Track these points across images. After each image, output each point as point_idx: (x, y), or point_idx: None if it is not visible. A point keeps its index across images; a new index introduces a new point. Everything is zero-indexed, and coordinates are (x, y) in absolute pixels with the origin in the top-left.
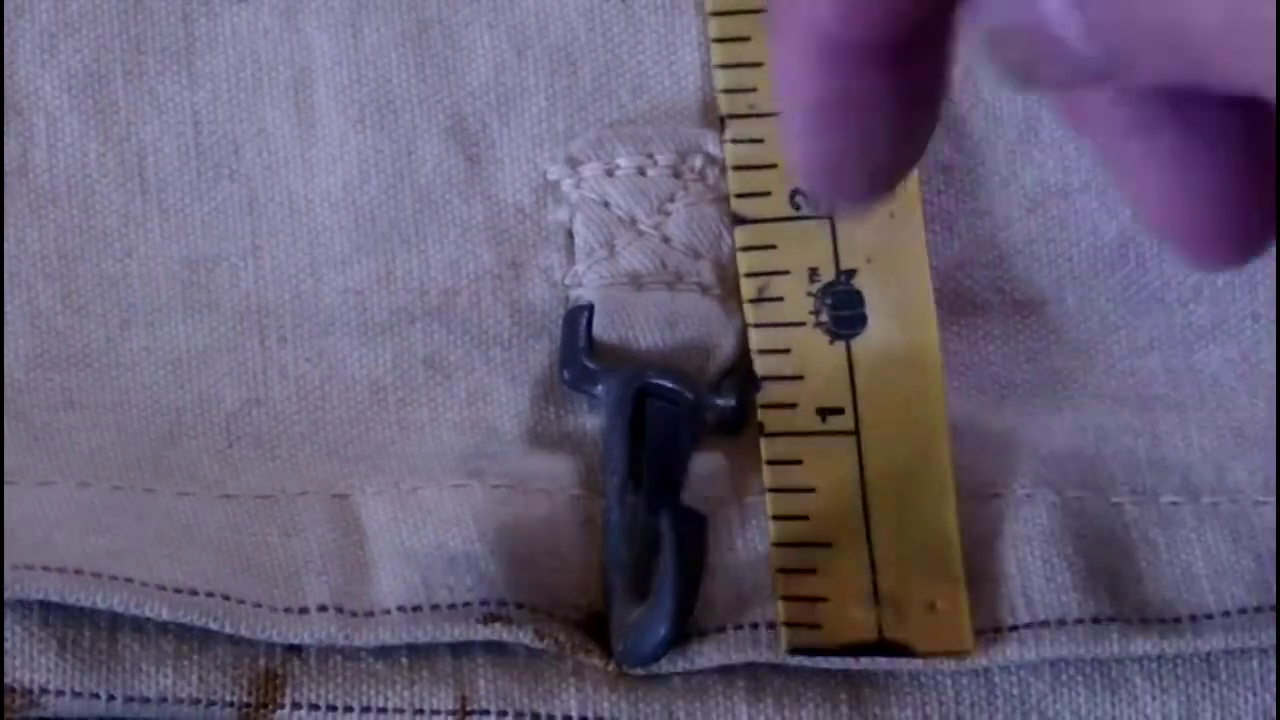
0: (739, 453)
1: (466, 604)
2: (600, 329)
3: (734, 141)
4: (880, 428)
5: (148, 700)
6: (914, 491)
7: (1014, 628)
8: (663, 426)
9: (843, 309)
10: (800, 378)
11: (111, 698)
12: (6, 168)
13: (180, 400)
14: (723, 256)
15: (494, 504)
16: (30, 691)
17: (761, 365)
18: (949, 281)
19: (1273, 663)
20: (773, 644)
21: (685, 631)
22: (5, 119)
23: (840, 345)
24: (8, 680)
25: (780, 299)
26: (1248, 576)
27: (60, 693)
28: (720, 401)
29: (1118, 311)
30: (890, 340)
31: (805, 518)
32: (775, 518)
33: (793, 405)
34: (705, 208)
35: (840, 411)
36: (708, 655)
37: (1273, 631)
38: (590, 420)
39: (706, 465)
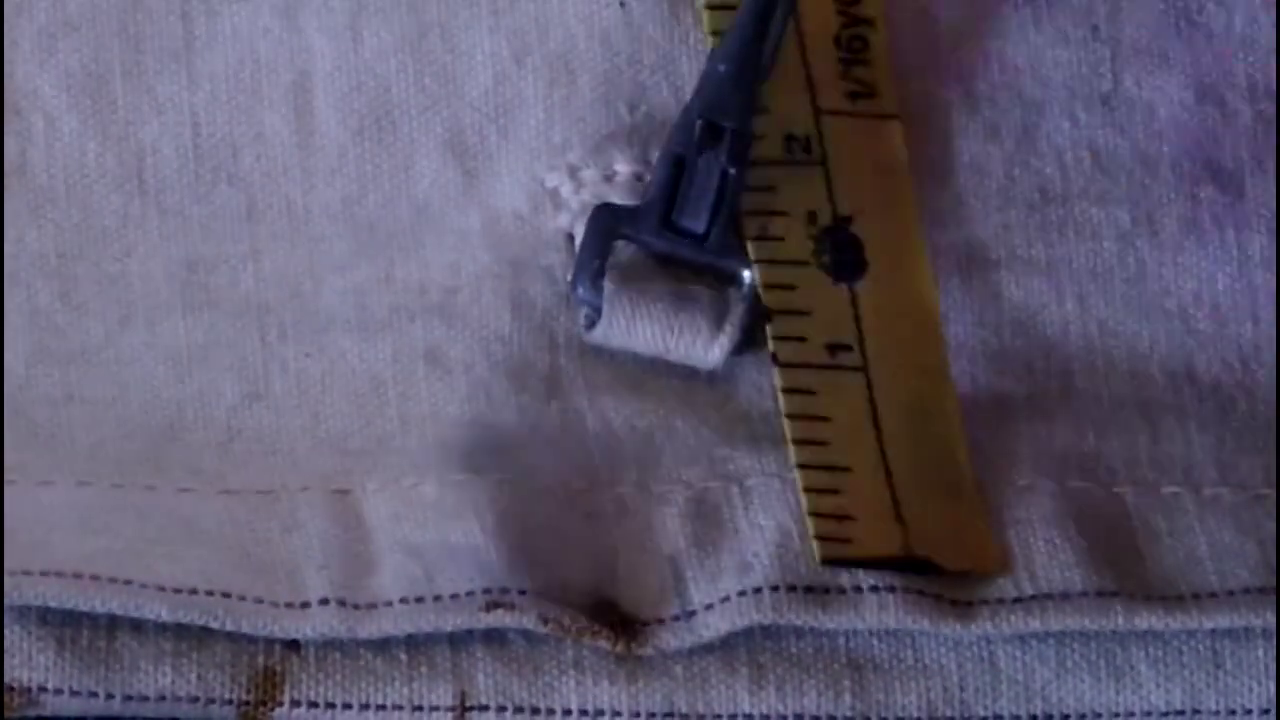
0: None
1: (469, 593)
2: (610, 307)
3: None
4: (887, 367)
5: (146, 699)
6: (924, 425)
7: (1018, 600)
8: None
9: (843, 253)
10: (807, 313)
11: (110, 696)
12: (5, 167)
13: (180, 395)
14: None
15: (496, 498)
16: (29, 690)
17: (769, 299)
18: (948, 285)
19: (1276, 651)
20: (775, 605)
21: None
22: (4, 118)
23: (843, 286)
24: (6, 679)
25: (781, 238)
26: (1251, 560)
27: (59, 691)
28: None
29: (1117, 317)
30: (890, 286)
31: (823, 443)
32: (795, 442)
33: (802, 339)
34: None
35: (849, 349)
36: (714, 626)
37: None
38: (591, 415)
39: None
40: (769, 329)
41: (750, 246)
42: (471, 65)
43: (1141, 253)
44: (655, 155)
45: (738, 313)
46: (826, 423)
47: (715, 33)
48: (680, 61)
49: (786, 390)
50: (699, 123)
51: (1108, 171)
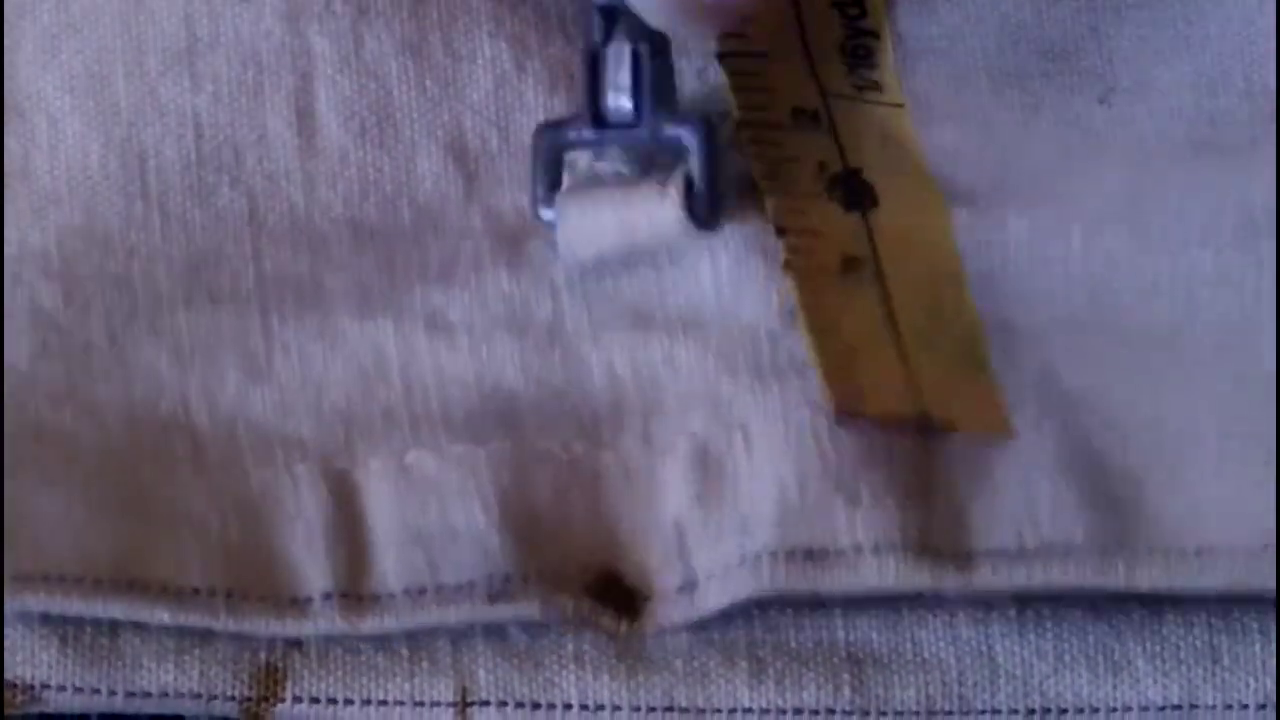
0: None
1: (471, 583)
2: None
3: (729, 58)
4: (902, 278)
5: (149, 695)
6: (940, 324)
7: (1021, 550)
8: None
9: (854, 193)
10: (820, 233)
11: (113, 693)
12: (8, 169)
13: (184, 385)
14: None
15: (498, 470)
16: (31, 687)
17: (783, 219)
18: (954, 223)
19: (1274, 647)
20: (774, 573)
21: None
22: (7, 120)
23: (856, 214)
24: (9, 676)
25: (792, 178)
26: (1253, 519)
27: (61, 688)
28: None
29: (1124, 251)
30: (903, 215)
31: (837, 330)
32: (810, 330)
33: (813, 251)
34: None
35: (863, 262)
36: (715, 598)
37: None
38: (595, 359)
39: None
40: (782, 243)
41: (761, 185)
42: (473, 69)
43: (1147, 211)
44: (657, 156)
45: (682, 170)
46: (841, 321)
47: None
48: (679, 64)
49: (800, 289)
50: (595, 12)
51: (1108, 159)
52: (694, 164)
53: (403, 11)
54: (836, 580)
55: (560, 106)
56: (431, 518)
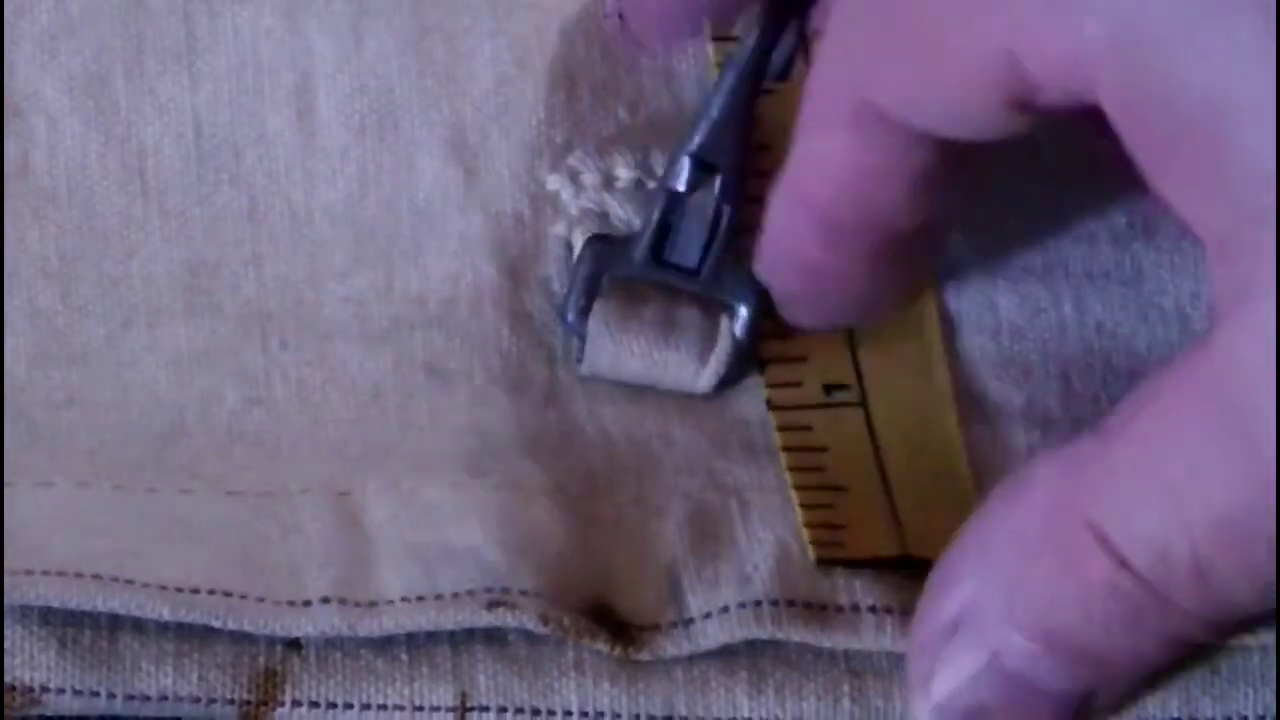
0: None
1: (470, 592)
2: (594, 338)
3: None
4: (886, 398)
5: (148, 698)
6: (924, 450)
7: None
8: None
9: None
10: (804, 359)
11: (112, 696)
12: (7, 169)
13: (181, 399)
14: None
15: (495, 502)
16: (30, 690)
17: (764, 349)
18: (942, 296)
19: (1273, 659)
20: (774, 618)
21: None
22: (6, 120)
23: (841, 333)
24: (8, 679)
25: None
26: None
27: (60, 691)
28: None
29: (1114, 318)
30: (891, 325)
31: (821, 469)
32: (792, 469)
33: (798, 384)
34: None
35: (846, 387)
36: (712, 635)
37: (1273, 628)
38: (589, 425)
39: None
40: (764, 376)
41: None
42: (473, 67)
43: (1138, 254)
44: (656, 161)
45: (725, 346)
46: (823, 452)
47: (720, 65)
48: (679, 66)
49: (782, 428)
50: (689, 161)
51: (1102, 178)
52: (739, 326)
53: (403, 9)
54: (833, 635)
55: (559, 105)
56: (429, 536)
